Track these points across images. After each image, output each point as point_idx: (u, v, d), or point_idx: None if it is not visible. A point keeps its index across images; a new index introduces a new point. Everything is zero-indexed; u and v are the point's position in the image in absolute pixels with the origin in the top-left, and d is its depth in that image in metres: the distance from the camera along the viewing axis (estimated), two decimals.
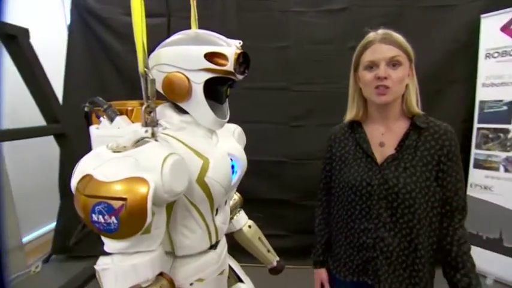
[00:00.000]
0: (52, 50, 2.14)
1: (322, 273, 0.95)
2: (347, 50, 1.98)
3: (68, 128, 1.58)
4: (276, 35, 2.03)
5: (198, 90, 0.69)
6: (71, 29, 2.24)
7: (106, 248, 0.57)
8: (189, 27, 0.89)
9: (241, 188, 0.99)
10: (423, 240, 0.77)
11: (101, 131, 0.73)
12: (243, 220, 1.13)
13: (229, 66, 0.68)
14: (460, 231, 0.77)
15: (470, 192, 1.93)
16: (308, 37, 2.01)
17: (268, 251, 1.15)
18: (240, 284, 1.06)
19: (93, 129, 0.74)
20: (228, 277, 1.05)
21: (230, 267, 1.06)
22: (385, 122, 0.83)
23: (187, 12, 0.97)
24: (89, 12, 2.18)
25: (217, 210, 0.80)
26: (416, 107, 0.80)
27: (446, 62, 1.93)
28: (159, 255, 0.61)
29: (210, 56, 0.67)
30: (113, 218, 0.52)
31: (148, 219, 0.53)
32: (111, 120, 0.73)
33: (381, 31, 0.80)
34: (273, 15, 2.03)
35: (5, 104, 2.13)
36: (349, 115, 0.89)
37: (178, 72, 0.68)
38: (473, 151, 1.95)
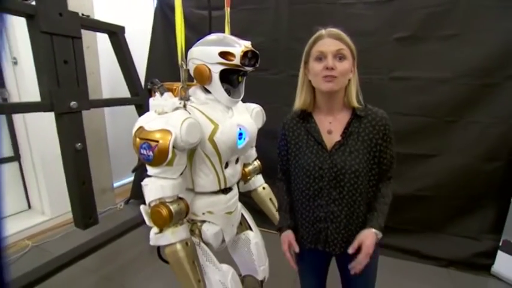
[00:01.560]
0: (141, 40, 2.73)
1: (289, 234, 1.00)
2: (391, 41, 1.99)
3: (144, 99, 2.08)
4: (323, 27, 2.14)
5: (216, 77, 0.98)
6: (154, 21, 2.77)
7: (148, 172, 0.93)
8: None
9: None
10: (363, 207, 0.93)
11: (155, 101, 1.08)
12: (258, 182, 1.40)
13: (236, 61, 0.94)
14: (386, 190, 0.97)
15: None
16: (353, 28, 2.05)
17: (277, 210, 1.40)
18: (249, 232, 1.35)
19: (150, 100, 1.11)
20: (241, 223, 1.36)
21: (244, 217, 1.37)
22: (331, 112, 0.94)
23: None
24: (169, 7, 2.66)
25: (227, 164, 1.09)
26: (355, 100, 0.91)
27: (504, 54, 1.75)
28: (179, 183, 0.95)
29: (223, 54, 0.95)
30: (150, 152, 0.86)
31: (169, 156, 0.86)
32: (161, 94, 1.08)
33: (328, 28, 0.90)
34: (320, 7, 2.14)
35: (107, 80, 2.83)
36: (298, 103, 0.97)
37: (203, 64, 0.98)
38: None
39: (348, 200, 0.91)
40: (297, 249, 0.97)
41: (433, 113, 1.94)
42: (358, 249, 0.88)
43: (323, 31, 0.89)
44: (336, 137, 0.92)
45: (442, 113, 1.92)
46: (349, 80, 0.90)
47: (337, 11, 2.09)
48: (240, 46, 0.97)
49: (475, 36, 1.79)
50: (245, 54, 0.96)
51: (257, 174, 1.40)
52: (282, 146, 1.04)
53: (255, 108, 1.22)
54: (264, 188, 1.41)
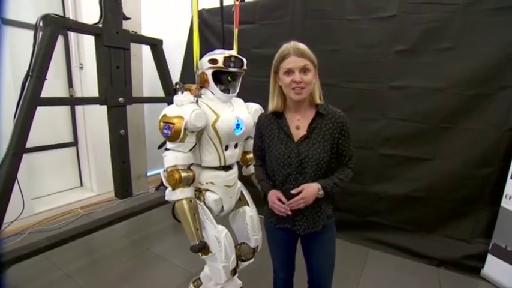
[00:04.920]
0: (179, 48, 3.22)
1: (275, 191, 1.11)
2: (391, 53, 2.19)
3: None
4: (331, 40, 2.41)
5: (210, 79, 1.35)
6: (190, 32, 3.24)
7: (167, 146, 1.30)
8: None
9: None
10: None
11: (177, 97, 1.45)
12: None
13: (220, 64, 1.31)
14: (343, 170, 1.12)
15: (505, 204, 1.85)
16: (357, 42, 2.30)
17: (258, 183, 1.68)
18: (246, 206, 1.66)
19: (175, 96, 1.49)
20: (240, 199, 1.68)
21: (243, 194, 1.68)
22: (299, 111, 1.11)
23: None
24: (202, 22, 3.10)
25: (227, 147, 1.42)
26: (318, 98, 1.09)
27: (497, 67, 1.86)
28: (188, 156, 1.31)
29: (210, 61, 1.33)
30: (169, 131, 1.24)
31: (181, 134, 1.23)
32: (182, 93, 1.45)
33: (292, 43, 1.05)
34: (329, 22, 2.41)
35: (148, 82, 3.34)
36: (271, 107, 1.14)
37: (202, 71, 1.35)
38: None
39: (311, 183, 1.06)
40: (283, 199, 1.07)
41: (428, 119, 2.09)
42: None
43: (289, 48, 1.04)
44: (303, 131, 1.09)
45: (437, 120, 2.06)
46: (313, 84, 1.08)
47: (343, 26, 2.35)
48: (223, 54, 1.33)
49: (469, 50, 1.93)
50: (228, 59, 1.32)
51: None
52: (257, 138, 1.22)
53: (254, 106, 1.55)
54: None
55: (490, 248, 1.93)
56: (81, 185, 3.23)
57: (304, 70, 1.04)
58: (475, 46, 1.92)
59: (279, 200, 1.08)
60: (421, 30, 2.07)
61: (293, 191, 1.05)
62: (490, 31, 1.87)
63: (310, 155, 1.06)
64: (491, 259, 1.92)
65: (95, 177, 3.10)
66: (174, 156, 1.28)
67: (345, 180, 1.12)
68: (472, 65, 1.94)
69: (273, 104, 1.14)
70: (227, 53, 1.36)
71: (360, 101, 2.34)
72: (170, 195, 1.30)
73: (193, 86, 1.45)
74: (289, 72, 1.04)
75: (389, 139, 2.25)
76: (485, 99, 1.93)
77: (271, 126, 1.15)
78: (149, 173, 3.66)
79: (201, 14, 3.06)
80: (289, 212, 1.07)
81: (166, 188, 1.34)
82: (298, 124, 1.11)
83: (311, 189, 1.04)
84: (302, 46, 1.06)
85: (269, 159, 1.14)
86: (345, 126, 1.09)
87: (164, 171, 1.32)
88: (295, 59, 1.03)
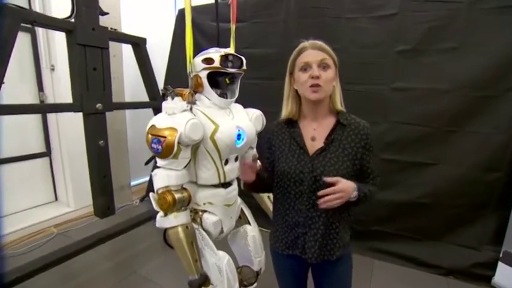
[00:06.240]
0: (163, 47, 2.98)
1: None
2: (393, 53, 2.08)
3: (161, 103, 2.29)
4: (328, 39, 2.26)
5: (205, 82, 1.15)
6: (174, 32, 3.02)
7: (157, 164, 1.10)
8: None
9: None
10: (340, 213, 0.94)
11: (166, 104, 1.25)
12: None
13: (216, 63, 1.11)
14: (372, 186, 0.97)
15: None
16: (356, 41, 2.18)
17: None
18: (247, 225, 1.48)
19: (163, 103, 1.28)
20: (240, 218, 1.49)
21: (243, 212, 1.50)
22: (316, 119, 0.97)
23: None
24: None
25: (227, 161, 1.23)
26: (340, 105, 0.96)
27: (504, 67, 1.78)
28: (183, 174, 1.10)
29: (205, 60, 1.13)
30: (159, 146, 1.03)
31: (175, 150, 1.02)
32: (173, 98, 1.25)
33: (311, 40, 0.94)
34: (327, 21, 2.28)
35: (129, 85, 3.08)
36: (284, 113, 1.00)
37: (195, 74, 1.15)
38: None
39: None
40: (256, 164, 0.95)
41: (433, 122, 2.00)
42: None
43: (306, 43, 0.94)
44: (319, 143, 0.94)
45: (442, 123, 1.97)
46: (333, 87, 0.94)
47: (342, 25, 2.22)
48: (219, 52, 1.13)
49: (474, 49, 1.85)
50: (225, 58, 1.12)
51: None
52: (267, 150, 1.06)
53: (255, 113, 1.36)
54: None
55: (501, 255, 1.85)
56: (56, 199, 2.92)
57: (323, 66, 0.90)
58: (481, 46, 1.84)
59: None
60: (423, 29, 1.97)
61: (326, 180, 0.85)
62: (496, 30, 1.79)
63: (326, 171, 0.90)
64: (502, 267, 1.85)
65: (72, 190, 2.80)
66: (166, 175, 1.08)
67: (373, 194, 0.96)
68: (478, 66, 1.85)
69: (287, 109, 0.99)
70: (224, 51, 1.16)
71: (360, 104, 2.16)
72: (162, 221, 1.10)
73: (185, 91, 1.25)
74: (305, 67, 0.91)
75: (392, 143, 2.14)
76: (492, 101, 1.85)
77: (282, 135, 1.01)
78: (133, 183, 3.40)
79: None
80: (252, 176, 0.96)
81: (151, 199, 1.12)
82: (314, 135, 0.96)
83: (345, 185, 0.84)
84: (321, 42, 0.93)
85: (278, 173, 0.98)
86: (370, 139, 0.95)
87: (155, 192, 1.12)
88: (313, 52, 0.91)
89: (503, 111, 1.83)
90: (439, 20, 1.91)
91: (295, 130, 0.98)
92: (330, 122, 0.96)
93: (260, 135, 1.36)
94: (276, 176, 1.01)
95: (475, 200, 1.95)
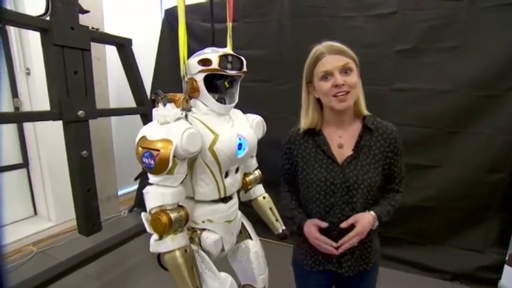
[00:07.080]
0: (149, 51, 2.81)
1: (311, 221, 0.92)
2: (392, 53, 2.01)
3: (149, 109, 2.13)
4: (324, 39, 2.18)
5: (201, 86, 1.02)
6: (161, 33, 2.86)
7: (149, 180, 0.96)
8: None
9: None
10: None
11: (158, 112, 1.11)
12: (259, 192, 1.41)
13: (214, 65, 0.98)
14: (394, 195, 0.94)
15: None
16: (354, 41, 2.10)
17: (277, 220, 1.40)
18: (248, 240, 1.35)
19: (154, 110, 1.14)
20: (241, 232, 1.37)
21: (244, 226, 1.38)
22: (342, 125, 0.91)
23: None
24: (175, 20, 2.74)
25: (227, 173, 1.11)
26: (364, 108, 0.90)
27: (505, 66, 1.75)
28: (179, 191, 0.97)
29: (201, 61, 1.00)
30: (151, 160, 0.89)
31: (170, 164, 0.89)
32: (164, 105, 1.11)
33: (324, 43, 0.87)
34: (322, 20, 2.19)
35: (114, 89, 2.90)
36: (305, 123, 0.93)
37: (190, 77, 1.02)
38: None
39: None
40: (324, 224, 0.88)
41: (434, 124, 1.95)
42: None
43: (322, 48, 0.86)
44: (347, 151, 0.89)
45: (444, 124, 1.93)
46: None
47: (338, 24, 2.14)
48: (217, 52, 1.01)
49: (475, 49, 1.81)
50: (224, 58, 1.00)
51: (258, 183, 1.41)
52: (285, 160, 1.00)
53: (255, 119, 1.24)
54: (264, 198, 1.42)
55: (507, 258, 1.82)
56: (36, 213, 2.70)
57: (345, 70, 0.83)
58: (482, 45, 1.80)
59: (321, 232, 0.88)
60: (423, 28, 1.91)
61: (343, 225, 0.85)
62: (497, 28, 1.76)
63: (360, 180, 0.85)
64: (508, 270, 1.81)
65: (53, 203, 2.59)
66: (160, 194, 0.94)
67: (396, 207, 0.92)
68: (479, 65, 1.81)
69: (307, 120, 0.93)
70: (222, 51, 1.04)
71: None
72: (157, 246, 0.96)
73: (179, 96, 1.12)
74: (326, 76, 0.84)
75: None
76: (494, 101, 1.82)
77: (305, 145, 0.95)
78: (120, 192, 3.21)
79: (174, 12, 2.71)
80: (335, 251, 0.86)
81: (142, 208, 0.99)
82: (341, 142, 0.91)
83: (366, 222, 0.84)
84: (337, 43, 0.86)
85: (304, 186, 0.93)
86: (398, 143, 0.89)
87: (148, 213, 0.98)
88: (333, 58, 0.83)
89: (505, 111, 1.80)
90: (439, 19, 1.87)
91: (320, 138, 0.92)
92: (356, 127, 0.91)
93: (265, 143, 1.26)
94: (301, 188, 0.96)
95: (479, 202, 1.91)
